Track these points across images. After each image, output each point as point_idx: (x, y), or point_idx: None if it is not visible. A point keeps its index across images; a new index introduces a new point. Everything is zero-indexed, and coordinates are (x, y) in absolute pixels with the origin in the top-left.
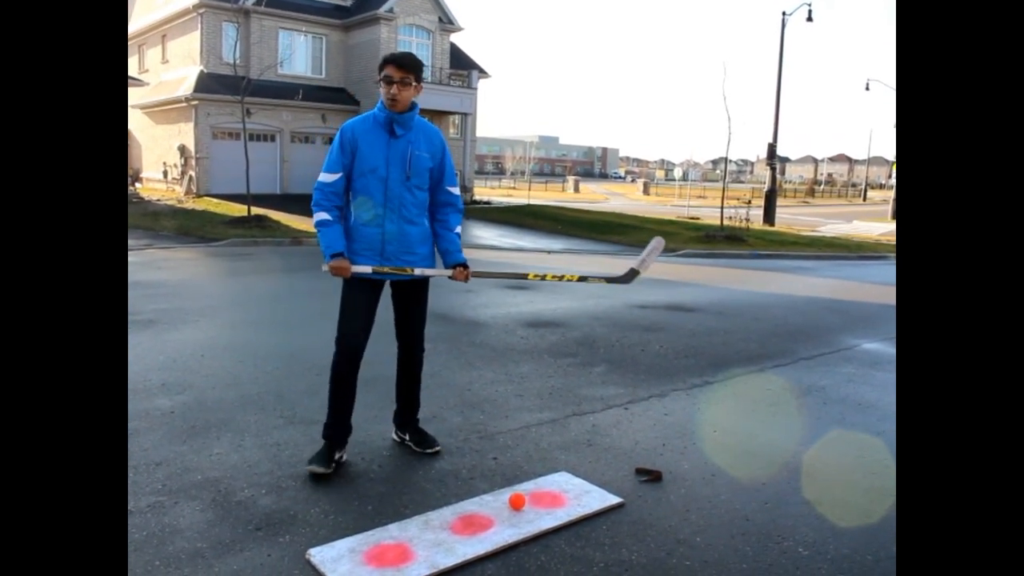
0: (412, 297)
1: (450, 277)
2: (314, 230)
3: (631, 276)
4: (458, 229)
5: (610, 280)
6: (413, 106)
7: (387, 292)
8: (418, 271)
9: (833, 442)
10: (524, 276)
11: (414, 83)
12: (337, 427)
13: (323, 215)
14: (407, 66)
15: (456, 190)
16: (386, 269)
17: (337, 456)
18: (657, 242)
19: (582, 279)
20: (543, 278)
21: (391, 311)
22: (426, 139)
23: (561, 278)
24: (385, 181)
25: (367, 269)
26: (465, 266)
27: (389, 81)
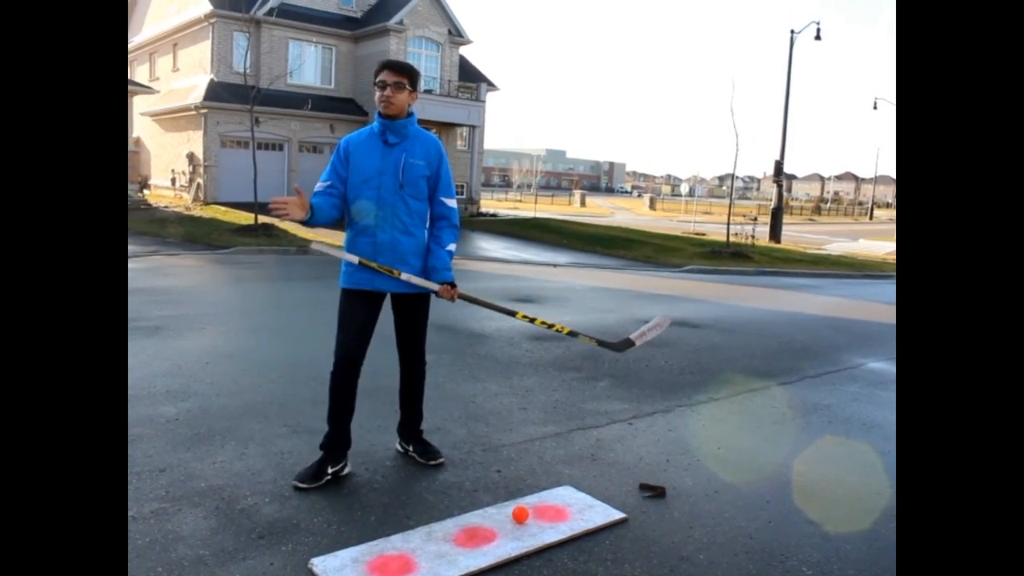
0: (413, 311)
1: (436, 293)
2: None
3: (625, 346)
4: (451, 247)
5: (601, 343)
6: (410, 115)
7: (388, 306)
8: (404, 276)
9: (838, 461)
10: (512, 314)
11: (408, 88)
12: (336, 438)
13: (318, 193)
14: (401, 70)
15: (452, 202)
16: (374, 265)
17: (335, 469)
18: (662, 319)
19: (572, 334)
20: (532, 321)
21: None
22: (422, 147)
23: (551, 326)
24: (378, 189)
25: (353, 258)
26: (453, 285)
27: (383, 85)
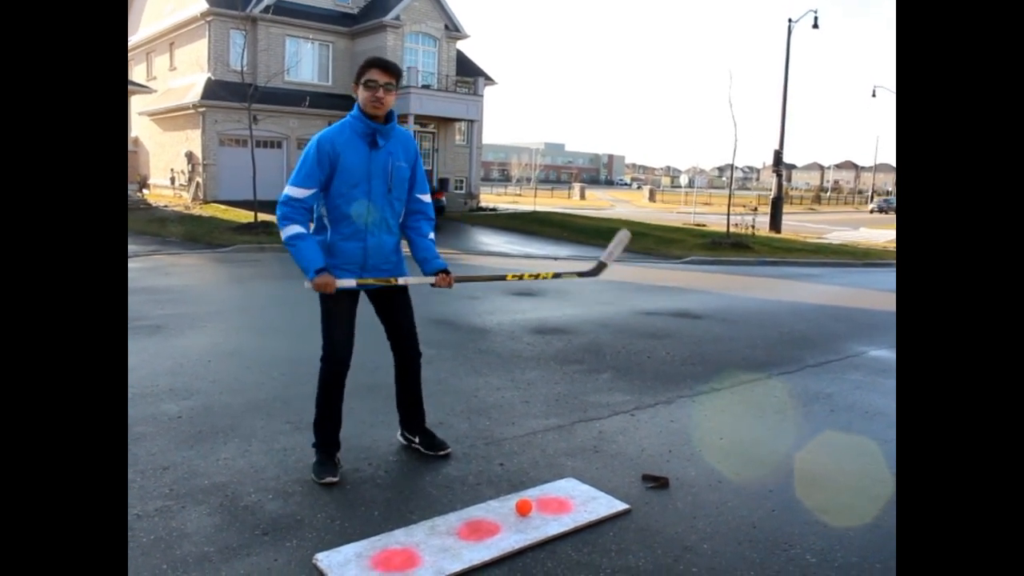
0: (396, 302)
1: (432, 284)
2: None
3: (600, 269)
4: (431, 236)
5: (581, 274)
6: (391, 115)
7: (365, 303)
8: (402, 280)
9: (840, 449)
10: (503, 278)
11: (395, 89)
12: (331, 436)
13: (296, 228)
14: (392, 71)
15: (427, 197)
16: (370, 281)
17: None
18: (623, 235)
19: (556, 276)
20: (520, 277)
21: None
22: (403, 148)
23: (537, 276)
24: (368, 195)
25: (351, 283)
26: (447, 272)
27: (374, 85)
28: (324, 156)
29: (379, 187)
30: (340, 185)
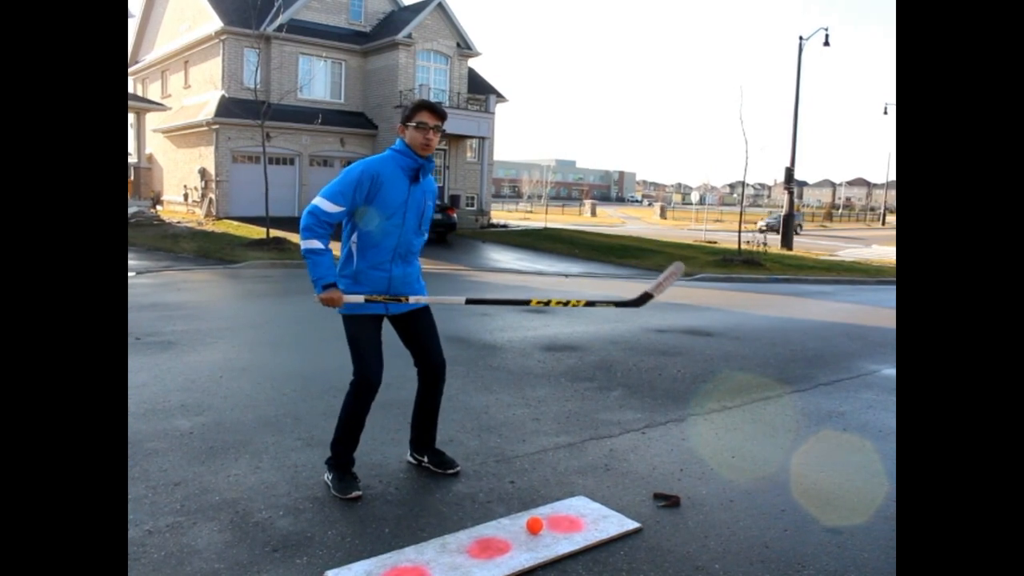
0: (422, 323)
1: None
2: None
3: (644, 300)
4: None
5: (620, 304)
6: (430, 155)
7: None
8: (412, 299)
9: (854, 469)
10: (527, 302)
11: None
12: (349, 456)
13: (316, 243)
14: (441, 114)
15: (425, 235)
16: (379, 298)
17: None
18: (676, 267)
19: (589, 304)
20: (547, 303)
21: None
22: (430, 187)
23: (567, 304)
24: (401, 227)
25: (359, 298)
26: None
27: (425, 127)
28: (367, 180)
29: (412, 221)
30: (378, 215)
